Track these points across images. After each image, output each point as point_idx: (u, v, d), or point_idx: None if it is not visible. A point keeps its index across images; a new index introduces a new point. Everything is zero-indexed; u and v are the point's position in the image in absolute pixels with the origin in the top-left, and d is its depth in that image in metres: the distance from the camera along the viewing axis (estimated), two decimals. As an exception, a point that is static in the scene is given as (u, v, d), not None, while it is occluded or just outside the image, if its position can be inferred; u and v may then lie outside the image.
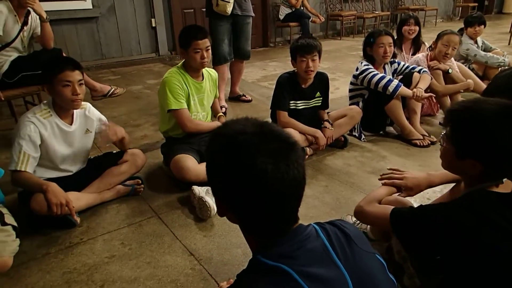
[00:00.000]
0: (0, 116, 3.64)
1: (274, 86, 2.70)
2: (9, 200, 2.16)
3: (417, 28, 3.45)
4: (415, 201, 2.08)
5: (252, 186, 0.77)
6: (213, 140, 0.86)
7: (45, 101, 2.01)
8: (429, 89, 2.98)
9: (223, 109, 3.57)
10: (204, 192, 2.03)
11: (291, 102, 2.66)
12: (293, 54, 2.57)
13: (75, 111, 2.05)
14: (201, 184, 2.12)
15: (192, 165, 2.18)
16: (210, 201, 1.97)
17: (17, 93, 2.94)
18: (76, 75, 1.90)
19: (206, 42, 2.28)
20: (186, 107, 2.34)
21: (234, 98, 3.99)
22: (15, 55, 2.93)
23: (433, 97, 3.06)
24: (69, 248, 1.82)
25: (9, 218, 1.71)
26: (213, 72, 2.56)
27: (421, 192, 2.16)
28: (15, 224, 1.72)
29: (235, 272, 1.61)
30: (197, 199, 2.01)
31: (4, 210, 1.72)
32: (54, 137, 1.98)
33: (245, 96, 3.98)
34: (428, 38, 3.37)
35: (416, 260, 1.29)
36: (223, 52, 3.55)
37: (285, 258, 0.78)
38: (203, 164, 2.29)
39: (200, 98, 2.43)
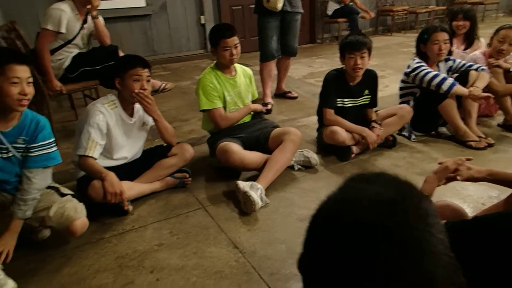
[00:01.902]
0: (61, 108, 3.90)
1: (320, 83, 2.67)
2: (66, 187, 2.32)
3: (467, 23, 3.25)
4: (468, 206, 1.99)
5: None
6: None
7: (111, 93, 2.15)
8: (488, 88, 2.80)
9: (269, 106, 3.59)
10: (248, 187, 2.05)
11: (338, 100, 2.62)
12: (342, 50, 2.53)
13: (136, 105, 2.17)
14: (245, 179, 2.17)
15: (237, 149, 2.25)
16: (254, 195, 1.99)
17: (77, 87, 3.14)
18: (146, 73, 2.07)
19: (235, 40, 2.35)
20: (220, 105, 2.40)
21: (280, 94, 3.98)
22: (76, 51, 3.12)
23: (492, 97, 2.87)
24: (122, 234, 1.93)
25: (64, 189, 1.86)
26: (247, 68, 2.61)
27: (476, 197, 2.07)
28: (71, 192, 1.87)
29: (279, 267, 1.64)
30: (241, 193, 2.04)
31: (56, 185, 1.86)
32: (117, 127, 2.11)
33: (291, 92, 3.96)
34: (487, 34, 3.17)
35: (467, 272, 1.23)
36: (271, 49, 3.56)
37: None
38: (247, 151, 2.34)
39: (237, 93, 2.48)
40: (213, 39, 2.40)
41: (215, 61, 2.49)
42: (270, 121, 2.67)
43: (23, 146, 1.67)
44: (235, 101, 2.48)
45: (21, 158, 1.68)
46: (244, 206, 2.04)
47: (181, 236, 1.89)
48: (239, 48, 2.39)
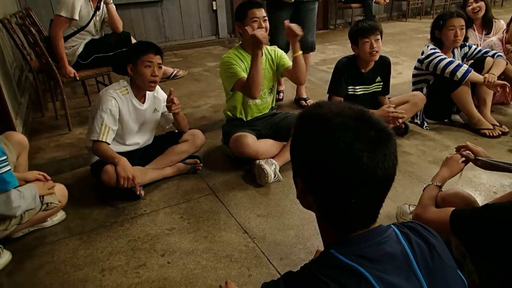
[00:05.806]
0: (75, 95, 3.95)
1: (332, 70, 2.65)
2: (80, 172, 2.41)
3: (482, 4, 3.11)
4: (480, 195, 1.98)
5: (344, 173, 0.69)
6: (304, 119, 0.78)
7: (123, 79, 2.18)
8: (504, 75, 2.74)
9: (281, 95, 3.54)
10: (264, 161, 2.20)
11: (350, 87, 2.60)
12: (354, 38, 2.48)
13: (147, 91, 2.19)
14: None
15: (252, 141, 2.26)
16: (268, 168, 2.15)
17: (90, 74, 3.17)
18: (157, 59, 2.08)
19: (263, 12, 2.29)
20: (244, 75, 2.27)
21: (296, 100, 3.49)
22: (88, 38, 3.15)
23: (508, 85, 2.79)
24: (134, 218, 1.97)
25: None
26: (275, 48, 2.50)
27: (488, 186, 2.05)
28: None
29: (288, 253, 1.66)
30: (257, 166, 2.19)
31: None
32: (129, 113, 2.14)
33: (306, 102, 3.42)
34: (507, 20, 3.07)
35: (477, 258, 1.23)
36: (281, 44, 3.10)
37: (362, 259, 0.70)
38: (262, 141, 2.34)
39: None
40: (240, 13, 2.31)
41: (239, 44, 2.41)
42: (290, 112, 2.62)
43: None
44: None
45: None
46: (258, 179, 2.19)
47: (192, 220, 1.93)
48: (267, 23, 2.30)
